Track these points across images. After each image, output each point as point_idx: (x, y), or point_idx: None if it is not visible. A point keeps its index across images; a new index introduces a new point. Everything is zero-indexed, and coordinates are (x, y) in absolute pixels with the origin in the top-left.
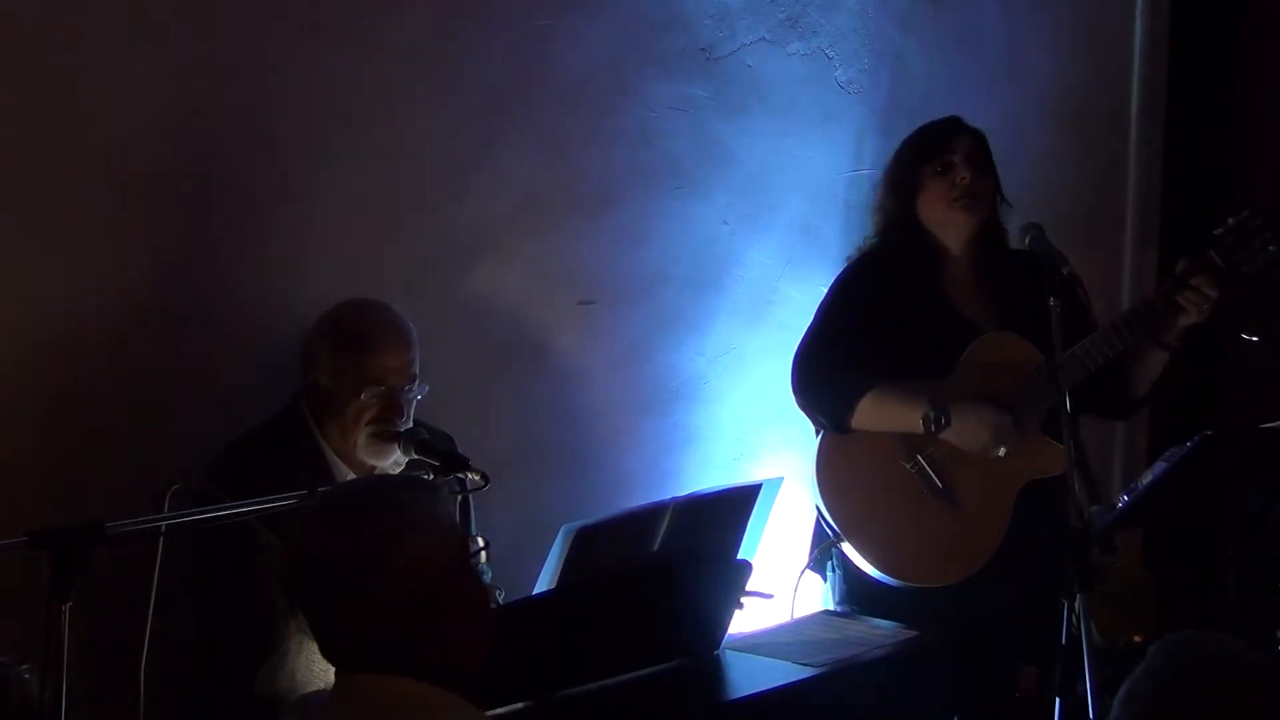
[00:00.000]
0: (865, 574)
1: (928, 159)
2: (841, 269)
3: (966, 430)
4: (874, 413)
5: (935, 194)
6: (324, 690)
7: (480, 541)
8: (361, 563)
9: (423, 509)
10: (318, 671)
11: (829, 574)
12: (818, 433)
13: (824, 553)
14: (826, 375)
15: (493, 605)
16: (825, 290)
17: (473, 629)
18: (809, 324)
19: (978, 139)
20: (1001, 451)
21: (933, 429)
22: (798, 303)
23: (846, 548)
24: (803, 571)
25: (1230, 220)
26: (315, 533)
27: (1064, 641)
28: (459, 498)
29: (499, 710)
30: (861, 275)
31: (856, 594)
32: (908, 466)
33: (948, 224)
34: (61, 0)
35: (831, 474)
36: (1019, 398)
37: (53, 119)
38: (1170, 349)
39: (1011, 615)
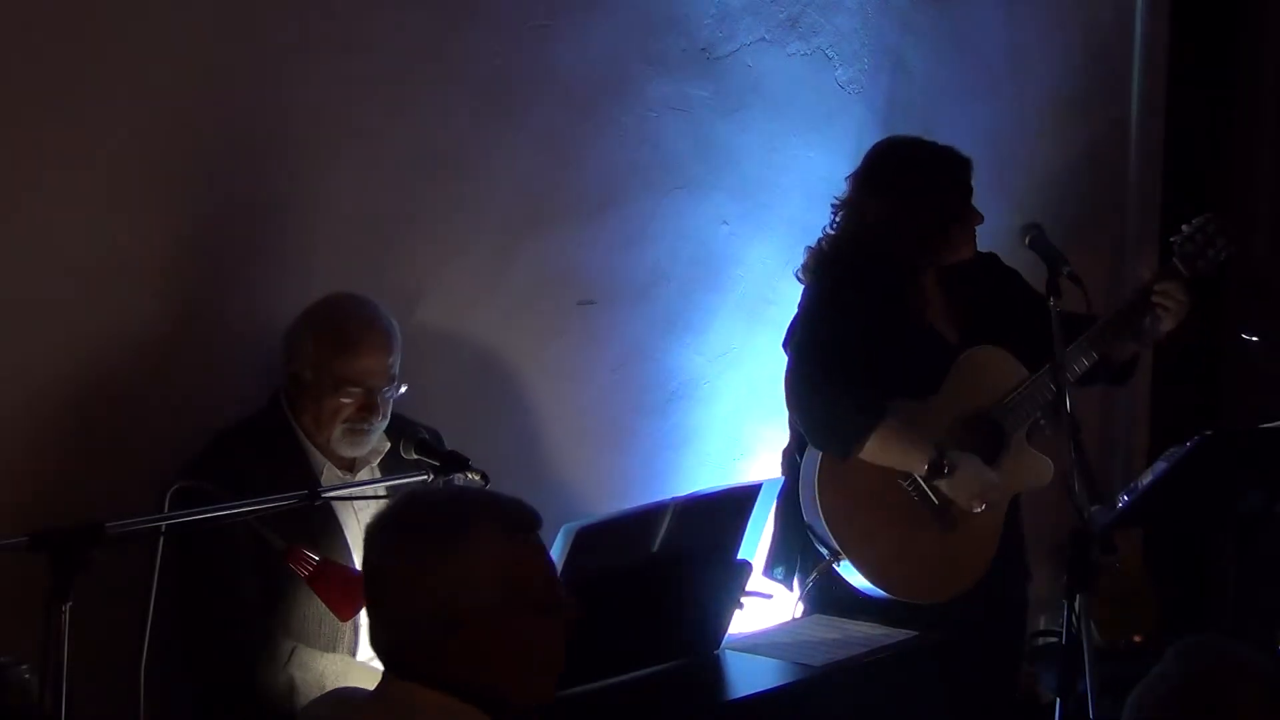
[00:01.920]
0: (853, 588)
1: (962, 219)
2: (813, 277)
3: (960, 486)
4: (880, 450)
5: (961, 242)
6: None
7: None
8: (391, 580)
9: (468, 545)
10: (323, 668)
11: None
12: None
13: (823, 573)
14: (832, 409)
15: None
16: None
17: (514, 669)
18: (797, 344)
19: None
20: (979, 509)
21: (935, 476)
22: (797, 303)
23: (843, 565)
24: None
25: (1184, 227)
26: (372, 541)
27: (1064, 641)
28: None
29: None
30: (846, 293)
31: (838, 606)
32: (905, 485)
33: (958, 257)
34: (62, 3)
35: (831, 495)
36: (1006, 411)
37: (53, 120)
38: (1147, 346)
39: (997, 621)
